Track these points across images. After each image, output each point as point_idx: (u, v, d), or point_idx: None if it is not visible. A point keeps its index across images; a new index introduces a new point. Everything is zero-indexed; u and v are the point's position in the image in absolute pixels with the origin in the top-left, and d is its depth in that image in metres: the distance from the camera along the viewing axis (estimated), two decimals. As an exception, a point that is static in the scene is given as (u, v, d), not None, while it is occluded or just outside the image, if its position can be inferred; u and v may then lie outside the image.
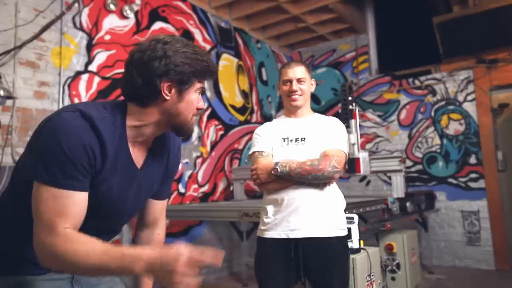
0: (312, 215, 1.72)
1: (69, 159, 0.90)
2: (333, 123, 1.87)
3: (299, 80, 1.84)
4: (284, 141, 1.83)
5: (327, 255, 1.73)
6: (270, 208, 1.80)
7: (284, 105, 1.96)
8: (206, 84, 4.49)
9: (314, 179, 1.69)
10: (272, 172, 1.71)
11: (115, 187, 1.03)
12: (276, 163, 1.72)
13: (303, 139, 1.80)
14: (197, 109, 1.08)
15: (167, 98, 1.01)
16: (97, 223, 1.05)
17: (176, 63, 0.99)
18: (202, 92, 1.10)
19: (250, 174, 1.82)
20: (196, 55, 1.02)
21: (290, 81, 1.85)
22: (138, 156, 1.09)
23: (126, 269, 0.85)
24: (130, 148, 1.05)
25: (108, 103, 1.05)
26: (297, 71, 1.85)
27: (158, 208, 1.27)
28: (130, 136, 1.04)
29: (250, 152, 1.89)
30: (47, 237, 0.88)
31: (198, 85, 1.05)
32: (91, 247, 0.88)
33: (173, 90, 1.01)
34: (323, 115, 1.95)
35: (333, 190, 1.82)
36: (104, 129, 0.95)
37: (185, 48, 1.01)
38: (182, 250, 0.84)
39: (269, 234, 1.78)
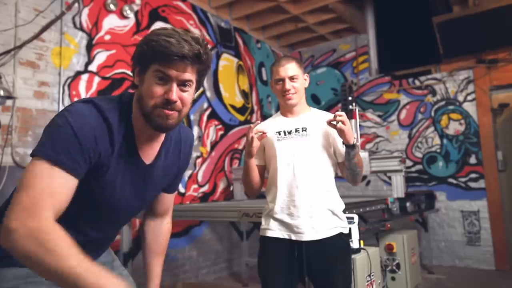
0: (313, 218, 1.72)
1: (78, 139, 0.90)
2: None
3: (291, 78, 1.77)
4: (280, 134, 1.80)
5: (329, 255, 1.73)
6: (272, 209, 1.80)
7: (280, 104, 1.92)
8: (206, 84, 4.53)
9: (358, 175, 1.76)
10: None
11: (119, 178, 1.03)
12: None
13: (304, 129, 1.78)
14: (157, 96, 0.97)
15: (136, 83, 1.02)
16: (100, 215, 1.06)
17: (138, 46, 1.01)
18: (164, 77, 0.97)
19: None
20: (152, 36, 0.97)
21: (282, 80, 1.78)
22: (147, 151, 1.09)
23: None
24: (138, 142, 1.05)
25: (125, 94, 1.07)
26: (289, 69, 1.77)
27: (168, 200, 1.32)
28: (136, 127, 1.04)
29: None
30: (29, 218, 0.81)
31: (153, 67, 0.97)
32: (74, 250, 0.81)
33: (138, 74, 1.02)
34: (320, 110, 1.91)
35: (334, 192, 1.82)
36: (112, 119, 0.98)
37: (155, 31, 1.00)
38: None
39: (271, 234, 1.78)
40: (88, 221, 1.05)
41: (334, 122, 1.61)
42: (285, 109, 1.88)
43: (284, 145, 1.79)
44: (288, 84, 1.77)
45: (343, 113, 1.60)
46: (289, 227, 1.74)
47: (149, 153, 1.09)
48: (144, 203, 1.20)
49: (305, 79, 1.85)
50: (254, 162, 1.80)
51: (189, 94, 1.01)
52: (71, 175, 0.90)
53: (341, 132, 1.62)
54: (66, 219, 1.02)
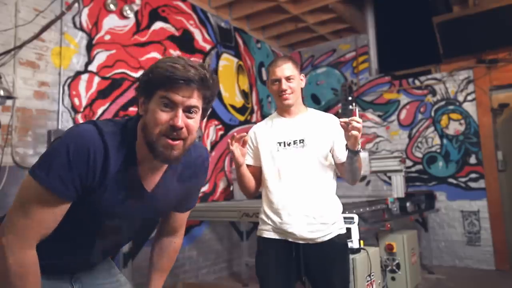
0: (309, 225, 1.71)
1: (72, 166, 0.92)
2: (332, 122, 1.81)
3: (287, 79, 1.77)
4: (280, 145, 1.80)
5: (327, 255, 1.72)
6: (268, 211, 1.79)
7: (276, 104, 1.91)
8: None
9: (358, 176, 1.76)
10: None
11: (119, 205, 1.03)
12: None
13: (301, 141, 1.78)
14: (162, 123, 0.95)
15: (141, 113, 1.00)
16: (100, 238, 1.08)
17: (142, 75, 0.99)
18: (170, 104, 0.95)
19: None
20: (158, 63, 0.96)
21: (279, 80, 1.78)
22: (151, 178, 1.06)
23: None
24: (142, 169, 1.03)
25: (132, 119, 1.05)
26: (285, 69, 1.77)
27: (179, 219, 1.29)
28: (140, 155, 1.02)
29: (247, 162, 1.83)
30: (16, 243, 0.91)
31: (158, 94, 0.95)
32: None
33: (143, 103, 1.00)
34: (318, 111, 1.90)
35: (331, 198, 1.80)
36: (111, 144, 0.96)
37: (160, 60, 0.98)
38: None
39: (269, 234, 1.78)
40: (91, 237, 1.08)
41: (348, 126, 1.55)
42: (282, 109, 1.88)
43: (281, 156, 1.78)
44: (285, 84, 1.77)
45: (360, 120, 1.55)
46: (284, 233, 1.74)
47: (153, 180, 1.07)
48: (147, 226, 1.20)
49: (301, 79, 1.85)
50: (244, 169, 1.77)
51: (195, 122, 0.99)
52: (62, 199, 0.94)
53: (350, 137, 1.56)
54: (71, 235, 1.05)
